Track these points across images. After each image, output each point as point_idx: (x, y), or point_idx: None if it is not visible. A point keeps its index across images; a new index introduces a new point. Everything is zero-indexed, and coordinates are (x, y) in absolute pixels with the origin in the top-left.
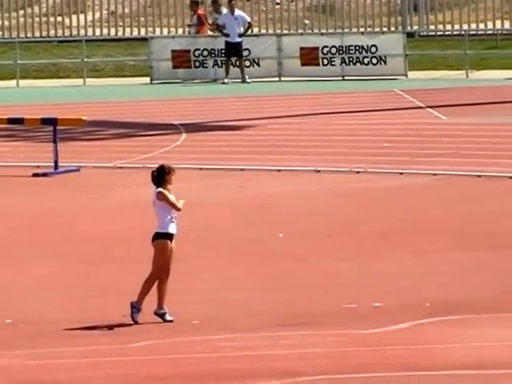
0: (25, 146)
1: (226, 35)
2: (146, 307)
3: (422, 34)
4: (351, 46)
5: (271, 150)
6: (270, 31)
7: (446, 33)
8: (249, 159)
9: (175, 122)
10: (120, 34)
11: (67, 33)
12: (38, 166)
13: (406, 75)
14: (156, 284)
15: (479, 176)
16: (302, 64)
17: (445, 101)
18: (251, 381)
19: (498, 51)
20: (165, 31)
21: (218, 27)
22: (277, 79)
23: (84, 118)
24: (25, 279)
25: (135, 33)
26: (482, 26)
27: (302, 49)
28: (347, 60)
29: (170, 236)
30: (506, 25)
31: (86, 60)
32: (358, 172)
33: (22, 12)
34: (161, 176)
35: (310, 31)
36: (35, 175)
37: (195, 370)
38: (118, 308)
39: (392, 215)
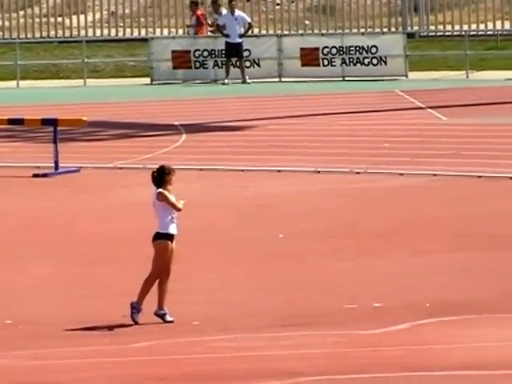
0: (25, 147)
1: (227, 36)
2: (146, 308)
3: (422, 34)
4: (351, 46)
5: (271, 151)
6: (271, 32)
7: (447, 33)
8: (249, 160)
9: (175, 123)
10: (120, 34)
11: (67, 33)
12: (38, 167)
13: (407, 76)
14: (156, 284)
15: (479, 176)
16: (303, 64)
17: (445, 101)
18: (251, 381)
19: (498, 52)
20: (165, 32)
21: (218, 28)
22: (277, 80)
23: (84, 118)
24: (25, 279)
25: (135, 33)
26: (482, 26)
27: (302, 49)
28: (347, 60)
29: (170, 236)
30: (507, 25)
31: (86, 60)
32: (358, 172)
33: (22, 12)
34: (161, 176)
35: (311, 32)
36: (35, 176)
37: (195, 370)
38: (118, 308)
39: (392, 215)
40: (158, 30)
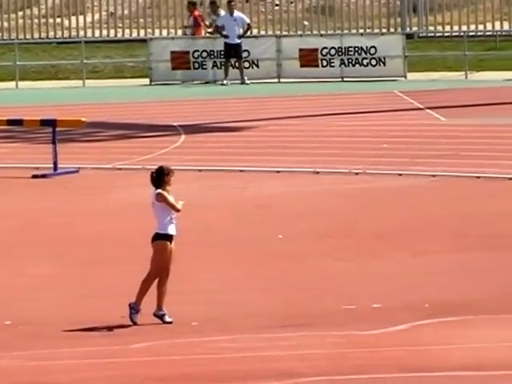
0: (24, 148)
1: (226, 36)
2: (145, 308)
3: (421, 35)
4: (350, 47)
5: (270, 151)
6: (270, 32)
7: (445, 34)
8: (248, 160)
9: (174, 124)
10: (119, 35)
11: (66, 34)
12: (37, 168)
13: (405, 76)
14: (155, 285)
15: (478, 177)
16: (302, 65)
17: (444, 102)
18: (250, 382)
19: (497, 52)
20: (164, 32)
21: (217, 29)
22: (276, 80)
23: (83, 119)
24: (24, 280)
25: (134, 34)
26: (481, 27)
27: (301, 50)
28: (346, 61)
29: (169, 237)
30: (505, 26)
31: (85, 61)
32: (356, 173)
33: (21, 13)
34: (160, 177)
35: (310, 32)
36: (34, 176)
37: (194, 371)
38: (117, 309)
39: (391, 216)
40: (157, 31)
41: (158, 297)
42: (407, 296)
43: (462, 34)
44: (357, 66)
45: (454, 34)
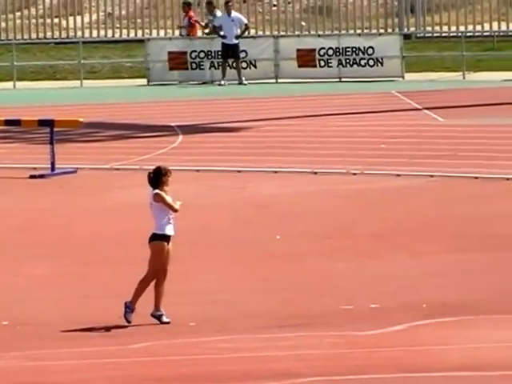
0: (22, 148)
1: (223, 37)
2: (142, 308)
3: (418, 35)
4: (348, 47)
5: (268, 152)
6: (267, 33)
7: (443, 34)
8: (246, 161)
9: (172, 124)
10: (117, 35)
11: (64, 34)
12: (34, 168)
13: (403, 77)
14: (153, 285)
15: (476, 178)
16: (299, 66)
17: (442, 102)
18: (248, 382)
19: (494, 53)
20: (161, 33)
21: (214, 29)
22: (274, 81)
23: (81, 119)
24: (22, 280)
25: (132, 34)
26: (478, 27)
27: (298, 50)
28: (344, 62)
29: (166, 237)
30: (503, 26)
31: (82, 62)
32: (354, 173)
33: (18, 14)
34: (157, 178)
35: (307, 33)
36: (32, 177)
37: (192, 371)
38: (115, 309)
39: (389, 216)
40: (154, 31)
41: (156, 297)
42: (405, 296)
43: (459, 34)
44: (354, 66)
45: (451, 34)
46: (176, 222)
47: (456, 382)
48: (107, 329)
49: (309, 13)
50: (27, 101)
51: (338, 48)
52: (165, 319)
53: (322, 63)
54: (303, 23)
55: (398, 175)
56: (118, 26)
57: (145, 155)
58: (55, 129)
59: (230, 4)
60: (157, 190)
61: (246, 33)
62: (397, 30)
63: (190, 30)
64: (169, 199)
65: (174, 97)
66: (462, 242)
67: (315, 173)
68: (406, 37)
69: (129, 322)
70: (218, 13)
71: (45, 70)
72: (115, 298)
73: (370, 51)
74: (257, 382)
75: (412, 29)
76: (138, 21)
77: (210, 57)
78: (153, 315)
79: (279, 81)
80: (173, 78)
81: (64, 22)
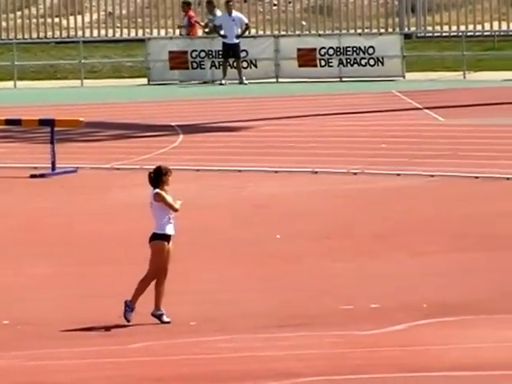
0: (22, 147)
1: (224, 36)
2: (143, 308)
3: (419, 35)
4: (349, 47)
5: (268, 151)
6: (268, 32)
7: (444, 34)
8: (246, 160)
9: (172, 123)
10: (117, 35)
11: (65, 34)
12: (35, 167)
13: (404, 76)
14: (153, 285)
15: (476, 177)
16: (300, 65)
17: (442, 102)
18: (248, 382)
19: (495, 52)
20: (162, 32)
21: (215, 28)
22: (274, 80)
23: (81, 119)
24: (22, 280)
25: (132, 34)
26: (479, 27)
27: (299, 50)
28: (345, 61)
29: (167, 237)
30: (503, 26)
31: (83, 61)
32: (355, 173)
33: (19, 13)
34: (158, 177)
35: (308, 32)
36: (33, 176)
37: (192, 371)
38: (115, 309)
39: (389, 216)
40: (155, 31)
41: (156, 297)
42: (405, 296)
43: (460, 34)
44: (355, 65)
45: (452, 34)
46: (176, 221)
47: (456, 382)
48: (107, 328)
49: (309, 12)
50: (28, 100)
51: (339, 47)
52: (165, 319)
53: (323, 63)
54: (304, 23)
55: (399, 175)
56: (118, 25)
57: (145, 155)
58: (56, 128)
59: (230, 3)
60: (157, 190)
61: (247, 32)
62: (397, 29)
63: (190, 29)
64: (169, 199)
65: (174, 96)
66: (462, 242)
67: (315, 172)
68: (407, 36)
69: (128, 320)
70: (218, 12)
71: (45, 69)
72: (115, 298)
73: (371, 51)
74: (257, 381)
75: (412, 28)
76: (139, 20)
77: (210, 56)
78: (153, 315)
79: (280, 80)
80: (173, 78)
81: (64, 22)
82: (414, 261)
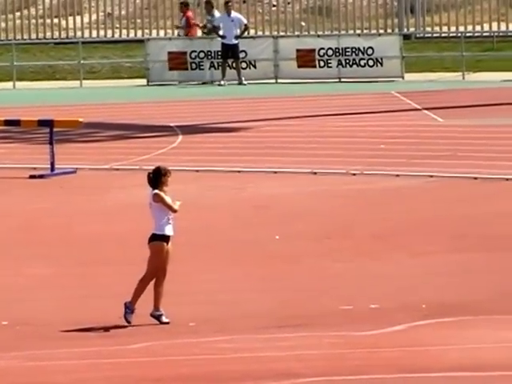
0: (21, 148)
1: (223, 37)
2: (142, 309)
3: (418, 35)
4: (348, 47)
5: (268, 152)
6: (267, 33)
7: (443, 35)
8: (245, 161)
9: (172, 124)
10: (116, 35)
11: (64, 35)
12: (34, 168)
13: (403, 77)
14: (152, 285)
15: (475, 178)
16: (299, 66)
17: (441, 103)
18: (248, 382)
19: (494, 53)
20: (161, 33)
21: (214, 29)
22: (273, 81)
23: (80, 119)
24: (21, 280)
25: (132, 35)
26: (478, 27)
27: (298, 51)
28: (344, 62)
29: (166, 238)
30: (503, 27)
31: (82, 62)
32: (354, 174)
33: (18, 14)
34: (157, 178)
35: (307, 33)
36: (32, 177)
37: (192, 371)
38: (115, 309)
39: (388, 217)
40: (154, 32)
41: (155, 297)
42: (405, 297)
43: (459, 34)
44: (354, 66)
45: (451, 34)
46: (176, 222)
47: (455, 383)
48: (107, 329)
49: (308, 13)
50: (27, 101)
51: (338, 48)
52: (164, 319)
53: (322, 63)
54: (303, 23)
55: (398, 175)
56: (117, 26)
57: (144, 155)
58: (55, 129)
59: (229, 4)
60: (156, 191)
61: (246, 33)
62: (396, 30)
63: (189, 30)
64: (168, 199)
65: (173, 97)
66: (462, 243)
67: (315, 173)
68: (406, 37)
69: (129, 322)
70: (217, 13)
71: (44, 70)
72: (115, 299)
73: (370, 51)
74: (256, 382)
75: (412, 29)
76: (138, 21)
77: (209, 57)
78: (152, 315)
79: (279, 81)
80: (172, 78)
81: (64, 22)
82: (414, 261)
